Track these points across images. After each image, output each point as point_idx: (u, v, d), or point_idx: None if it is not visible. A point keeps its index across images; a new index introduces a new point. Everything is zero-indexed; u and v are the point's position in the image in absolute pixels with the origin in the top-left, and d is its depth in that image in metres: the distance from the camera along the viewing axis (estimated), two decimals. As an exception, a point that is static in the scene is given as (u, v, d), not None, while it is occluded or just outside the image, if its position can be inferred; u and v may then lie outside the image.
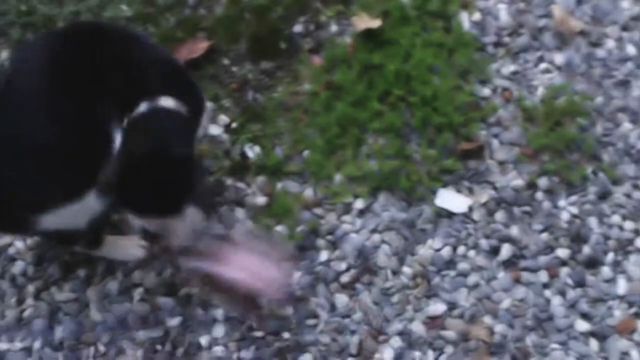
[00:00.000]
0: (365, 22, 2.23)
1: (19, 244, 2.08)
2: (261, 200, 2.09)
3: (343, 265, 2.02)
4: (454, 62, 2.22)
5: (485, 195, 2.09)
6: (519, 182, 2.09)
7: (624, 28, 2.30)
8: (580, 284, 1.97)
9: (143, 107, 1.65)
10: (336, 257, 2.03)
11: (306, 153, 2.14)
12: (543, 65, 2.25)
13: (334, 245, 2.05)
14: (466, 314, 1.94)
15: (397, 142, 2.12)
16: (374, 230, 2.06)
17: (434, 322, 1.94)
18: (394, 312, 1.97)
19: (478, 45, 2.25)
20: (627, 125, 2.16)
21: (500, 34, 2.27)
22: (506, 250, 2.02)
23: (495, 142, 2.14)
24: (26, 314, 2.01)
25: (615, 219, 2.04)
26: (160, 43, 2.25)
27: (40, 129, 1.64)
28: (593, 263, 1.99)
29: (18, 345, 1.98)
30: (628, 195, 2.07)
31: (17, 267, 2.05)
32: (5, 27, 2.33)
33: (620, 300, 1.95)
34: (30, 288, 2.03)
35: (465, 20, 2.28)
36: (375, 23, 2.22)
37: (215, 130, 2.16)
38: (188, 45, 2.23)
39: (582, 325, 1.92)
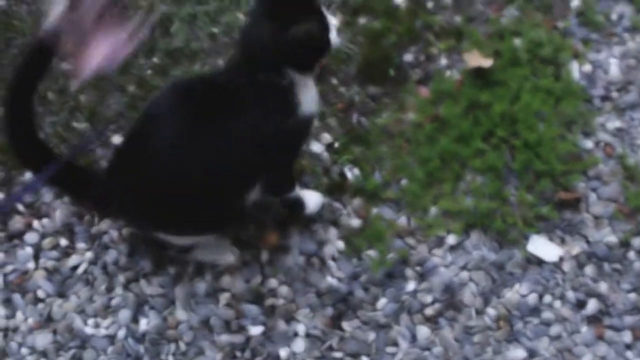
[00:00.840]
0: (477, 60, 2.24)
1: (113, 233, 2.11)
2: (355, 222, 2.11)
3: (429, 298, 2.03)
4: (560, 110, 2.22)
5: (577, 247, 2.08)
6: (612, 238, 2.09)
7: None
8: (664, 349, 1.96)
9: None
10: (423, 289, 2.05)
11: (404, 182, 2.15)
12: (648, 125, 2.24)
13: (422, 277, 2.06)
14: (546, 364, 1.95)
15: (496, 183, 2.13)
16: (463, 267, 2.07)
17: (513, 366, 1.95)
18: (473, 351, 1.98)
19: (586, 97, 2.25)
20: None
21: (608, 88, 2.27)
22: (592, 305, 2.02)
23: (593, 196, 2.14)
24: (114, 302, 2.06)
25: None
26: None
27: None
28: (680, 330, 1.98)
29: (103, 331, 2.03)
30: None
31: (110, 255, 2.09)
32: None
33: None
34: (121, 278, 2.08)
35: (576, 70, 2.28)
36: (487, 62, 2.23)
37: (317, 147, 2.19)
38: (300, 61, 2.25)
39: (661, 391, 1.92)
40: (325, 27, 1.75)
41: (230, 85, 1.75)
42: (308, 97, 1.79)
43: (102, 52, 1.69)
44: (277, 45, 1.69)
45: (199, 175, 1.75)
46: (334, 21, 1.77)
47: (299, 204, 2.04)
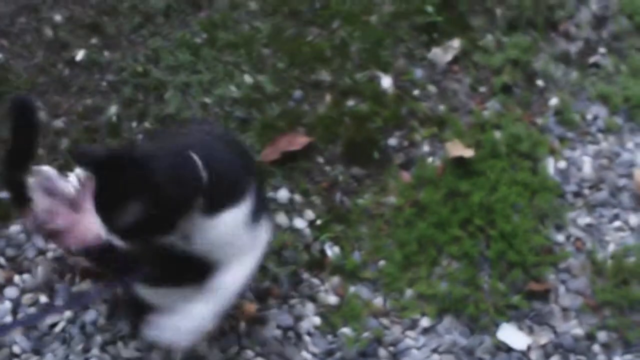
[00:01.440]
0: (459, 150, 2.33)
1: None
2: (333, 299, 2.17)
3: (400, 379, 2.08)
4: (535, 203, 2.31)
5: (545, 337, 2.15)
6: (578, 331, 2.16)
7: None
8: None
9: None
10: (395, 369, 2.09)
11: (382, 263, 2.22)
12: (617, 223, 2.33)
13: (394, 357, 2.11)
14: None
15: (470, 270, 2.20)
16: (434, 350, 2.12)
17: None
18: None
19: (559, 192, 2.34)
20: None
21: (581, 185, 2.37)
22: (557, 396, 2.08)
23: (562, 288, 2.22)
24: (89, 363, 2.07)
25: (669, 385, 2.11)
26: (261, 130, 2.35)
27: None
28: None
29: (77, 393, 2.03)
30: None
31: (89, 315, 2.12)
32: (118, 83, 2.44)
33: None
34: (98, 339, 2.10)
35: (551, 165, 2.38)
36: (468, 153, 2.32)
37: (300, 223, 2.25)
38: (289, 137, 2.34)
39: None
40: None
41: None
42: None
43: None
44: None
45: None
46: None
47: None
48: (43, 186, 1.76)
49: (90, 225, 1.62)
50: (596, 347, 2.15)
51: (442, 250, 2.23)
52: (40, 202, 1.75)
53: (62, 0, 2.59)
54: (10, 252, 2.18)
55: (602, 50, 2.61)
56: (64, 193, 1.75)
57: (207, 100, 2.42)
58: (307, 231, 2.24)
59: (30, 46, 2.49)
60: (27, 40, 2.50)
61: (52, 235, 1.84)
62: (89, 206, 1.64)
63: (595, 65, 2.56)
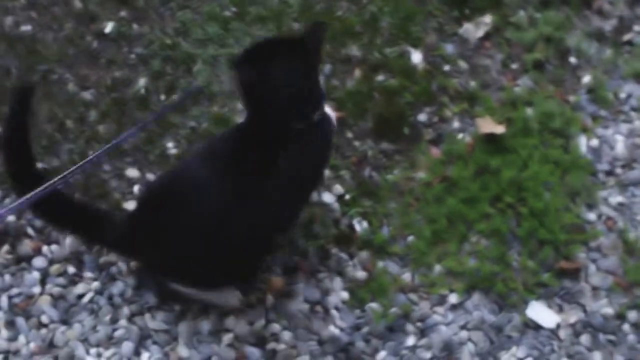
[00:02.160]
0: (490, 126, 2.31)
1: (122, 265, 2.14)
2: (361, 274, 2.15)
3: (427, 355, 2.08)
4: (567, 182, 2.28)
5: (574, 316, 2.13)
6: (608, 310, 2.14)
7: None
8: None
9: None
10: (422, 345, 2.09)
11: (411, 238, 2.20)
12: (650, 203, 2.30)
13: (422, 333, 2.10)
14: None
15: (500, 247, 2.18)
16: (463, 327, 2.11)
17: None
18: (468, 410, 2.02)
19: (591, 170, 2.31)
20: None
21: (613, 164, 2.34)
22: (586, 374, 2.07)
23: (592, 267, 2.20)
24: (117, 333, 2.08)
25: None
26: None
27: None
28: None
29: (104, 362, 2.04)
30: None
31: (117, 287, 2.12)
32: (147, 56, 2.43)
33: None
34: (126, 310, 2.10)
35: (583, 144, 2.35)
36: (499, 129, 2.30)
37: (328, 198, 2.24)
38: (318, 112, 2.31)
39: None
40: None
41: (265, 140, 1.80)
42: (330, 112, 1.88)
43: None
44: (305, 93, 1.74)
45: (242, 236, 1.80)
46: None
47: None
48: None
49: None
50: (626, 327, 2.13)
51: (472, 226, 2.22)
52: None
53: (92, -28, 2.58)
54: (38, 223, 2.18)
55: (636, 28, 2.57)
56: None
57: (236, 73, 2.39)
58: (336, 206, 2.23)
59: (59, 18, 2.49)
60: (55, 11, 2.50)
61: None
62: None
63: (629, 43, 2.53)
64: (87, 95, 2.37)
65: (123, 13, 2.50)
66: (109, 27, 2.47)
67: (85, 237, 2.09)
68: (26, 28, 2.47)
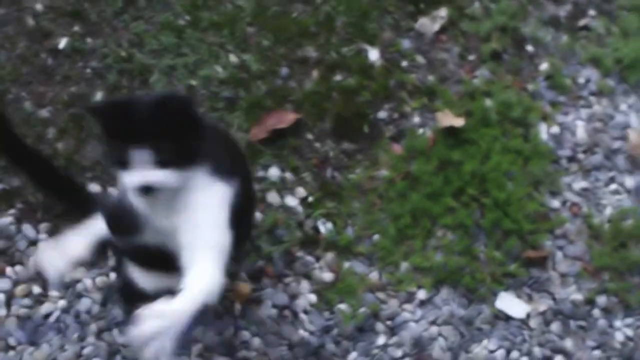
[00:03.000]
0: (449, 119, 2.30)
1: (87, 282, 2.12)
2: (328, 276, 2.15)
3: (399, 352, 2.07)
4: (529, 170, 2.28)
5: (543, 304, 2.13)
6: (578, 296, 2.14)
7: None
8: (627, 407, 2.01)
9: None
10: (393, 343, 2.08)
11: (376, 237, 2.20)
12: (613, 186, 2.31)
13: (392, 331, 2.10)
14: (512, 420, 1.98)
15: (465, 240, 2.18)
16: (432, 322, 2.11)
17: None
18: (442, 406, 2.01)
19: (553, 158, 2.31)
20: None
21: (575, 150, 2.34)
22: (558, 362, 2.07)
23: (559, 254, 2.20)
24: (86, 351, 2.06)
25: (670, 347, 2.09)
26: (248, 109, 2.33)
27: None
28: (642, 388, 2.03)
29: (74, 382, 2.02)
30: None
31: (83, 304, 2.10)
32: (103, 70, 2.41)
33: None
34: (93, 327, 2.08)
35: (544, 131, 2.35)
36: (459, 122, 2.30)
37: (291, 201, 2.23)
38: (277, 115, 2.31)
39: None
40: None
41: None
42: None
43: None
44: None
45: None
46: None
47: None
48: None
49: None
50: (596, 312, 2.14)
51: (436, 221, 2.21)
52: None
53: (43, -11, 2.56)
54: (0, 244, 2.16)
55: (591, 12, 2.58)
56: None
57: (193, 82, 2.39)
58: (299, 209, 2.22)
59: (12, 37, 2.46)
60: (8, 31, 2.47)
61: None
62: None
63: (586, 28, 2.53)
64: (44, 112, 2.35)
65: (76, 28, 2.48)
66: (62, 43, 2.45)
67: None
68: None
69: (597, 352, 2.09)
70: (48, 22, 2.49)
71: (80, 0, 2.52)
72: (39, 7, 2.52)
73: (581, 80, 2.45)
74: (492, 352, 2.08)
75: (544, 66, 2.45)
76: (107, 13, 2.50)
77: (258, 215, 2.16)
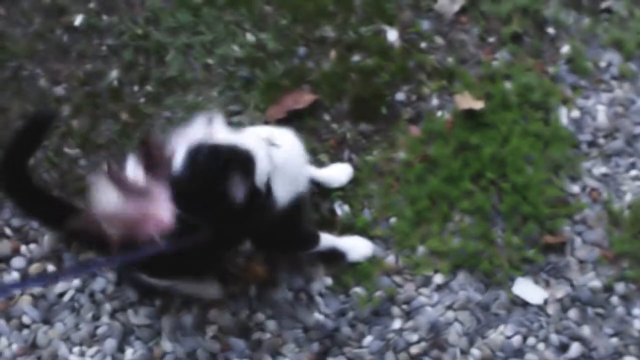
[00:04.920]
0: (468, 102, 2.27)
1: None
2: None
3: (414, 337, 2.05)
4: (548, 155, 2.25)
5: (561, 290, 2.11)
6: (596, 283, 2.12)
7: None
8: (644, 394, 1.99)
9: None
10: (409, 327, 2.07)
11: (393, 220, 2.17)
12: (634, 172, 2.27)
13: (408, 316, 2.08)
14: (528, 406, 1.97)
15: (483, 224, 2.16)
16: (449, 307, 2.09)
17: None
18: (457, 391, 2.00)
19: (573, 142, 2.28)
20: None
21: (596, 135, 2.31)
22: (575, 349, 2.06)
23: (578, 240, 2.17)
24: (100, 331, 2.05)
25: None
26: (265, 89, 2.30)
27: None
28: (660, 376, 2.01)
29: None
30: None
31: (98, 284, 2.10)
32: (118, 47, 2.39)
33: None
34: (108, 307, 2.08)
35: (564, 115, 2.32)
36: (478, 105, 2.26)
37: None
38: (294, 96, 2.29)
39: None
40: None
41: None
42: None
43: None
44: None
45: None
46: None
47: (338, 253, 2.06)
48: (110, 177, 1.73)
49: (163, 212, 1.60)
50: (614, 299, 2.11)
51: (454, 205, 2.19)
52: (107, 193, 1.71)
53: (59, -35, 2.53)
54: (15, 222, 2.16)
55: (614, -6, 2.52)
56: (131, 182, 1.72)
57: (210, 61, 2.37)
58: (316, 191, 2.20)
59: (28, 12, 2.44)
60: (24, 6, 2.45)
61: (126, 225, 1.80)
62: (158, 193, 1.62)
63: (608, 10, 2.48)
64: (59, 90, 2.34)
65: (92, 4, 2.46)
66: (78, 20, 2.43)
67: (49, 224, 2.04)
68: (-6, 24, 2.42)
69: (614, 340, 2.07)
70: (63, -2, 2.46)
71: (96, -24, 2.49)
72: (54, -17, 2.49)
73: (603, 63, 2.41)
74: (508, 337, 2.06)
75: (565, 49, 2.41)
76: (123, -11, 2.47)
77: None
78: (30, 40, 2.40)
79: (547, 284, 2.12)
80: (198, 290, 2.04)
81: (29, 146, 1.85)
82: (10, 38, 2.40)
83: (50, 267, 2.11)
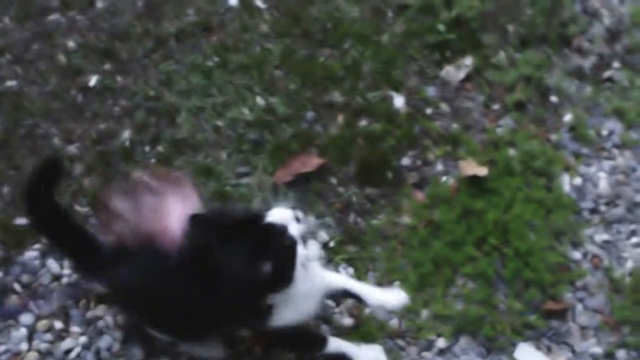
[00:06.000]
0: (473, 168, 2.32)
1: (109, 319, 2.14)
2: (348, 321, 2.16)
3: (417, 400, 2.06)
4: (551, 221, 2.29)
5: (563, 356, 2.13)
6: (597, 349, 2.14)
7: None
8: None
9: None
10: (412, 390, 2.07)
11: (397, 283, 2.20)
12: (635, 239, 2.31)
13: (411, 379, 2.09)
14: None
15: (486, 289, 2.18)
16: (451, 371, 2.10)
17: None
18: None
19: (575, 209, 2.32)
20: None
21: (597, 202, 2.35)
22: (575, 416, 2.06)
23: (579, 307, 2.19)
24: (105, 388, 2.07)
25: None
26: (274, 152, 2.35)
27: None
28: None
29: (91, 418, 2.03)
30: None
31: (104, 341, 2.12)
32: (131, 108, 2.45)
33: None
34: (113, 364, 2.09)
35: (567, 182, 2.36)
36: (482, 171, 2.31)
37: (313, 245, 2.24)
38: (302, 159, 2.33)
39: None
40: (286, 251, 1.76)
41: None
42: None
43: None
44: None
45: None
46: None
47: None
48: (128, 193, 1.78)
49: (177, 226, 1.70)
50: (616, 366, 2.12)
51: (457, 270, 2.22)
52: (126, 208, 1.77)
53: (76, 27, 2.60)
54: (25, 278, 2.19)
55: (616, 64, 2.59)
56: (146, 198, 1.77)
57: (220, 123, 2.42)
58: (321, 253, 2.23)
59: (44, 73, 2.51)
60: (40, 66, 2.52)
61: (145, 237, 1.84)
62: (172, 209, 1.68)
63: (610, 80, 2.54)
64: (72, 149, 2.39)
65: (107, 66, 2.53)
66: (93, 80, 2.50)
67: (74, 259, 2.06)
68: (11, 83, 2.50)
69: (615, 407, 2.07)
70: (79, 60, 2.54)
71: (111, 39, 2.57)
72: (71, 44, 2.57)
73: (604, 132, 2.46)
74: (510, 403, 2.07)
75: (568, 117, 2.46)
76: (138, 52, 2.55)
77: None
78: (45, 100, 2.47)
79: (548, 350, 2.14)
80: (200, 351, 2.06)
81: (49, 179, 1.87)
82: (26, 97, 2.46)
83: (58, 324, 2.13)
